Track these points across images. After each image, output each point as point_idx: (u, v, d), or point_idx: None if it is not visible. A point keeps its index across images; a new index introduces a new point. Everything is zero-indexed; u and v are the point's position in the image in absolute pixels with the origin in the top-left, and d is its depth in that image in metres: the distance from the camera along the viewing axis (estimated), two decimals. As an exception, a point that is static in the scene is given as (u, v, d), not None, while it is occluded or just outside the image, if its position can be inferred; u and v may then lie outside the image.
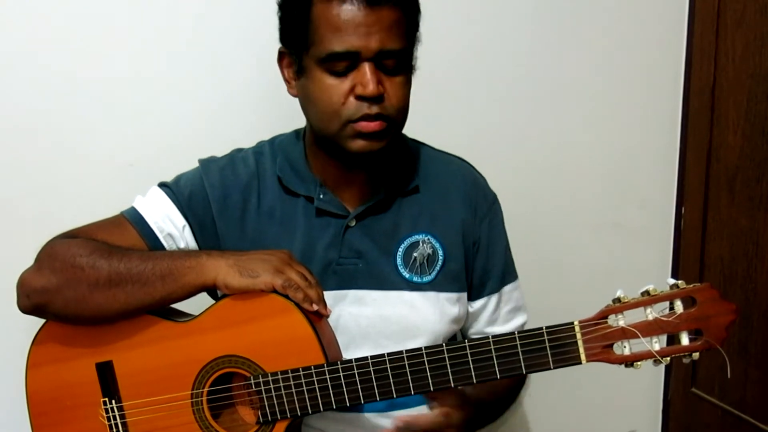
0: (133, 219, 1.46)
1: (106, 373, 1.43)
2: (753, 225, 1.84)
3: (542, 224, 2.00)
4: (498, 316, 1.59)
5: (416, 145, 1.59)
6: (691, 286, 1.18)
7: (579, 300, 1.93)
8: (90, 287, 1.34)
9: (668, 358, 1.20)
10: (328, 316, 1.35)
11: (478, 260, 1.55)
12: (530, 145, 2.02)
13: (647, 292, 1.19)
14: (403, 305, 1.48)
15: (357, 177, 1.49)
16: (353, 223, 1.48)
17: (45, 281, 1.37)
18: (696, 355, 1.19)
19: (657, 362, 1.20)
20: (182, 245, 1.47)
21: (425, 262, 1.49)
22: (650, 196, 2.12)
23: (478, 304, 1.57)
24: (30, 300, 1.39)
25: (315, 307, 1.31)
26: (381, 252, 1.49)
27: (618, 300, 1.20)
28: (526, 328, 1.55)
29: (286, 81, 1.46)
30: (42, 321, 1.44)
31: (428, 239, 1.50)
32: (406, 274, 1.49)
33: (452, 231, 1.52)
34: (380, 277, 1.48)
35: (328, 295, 1.39)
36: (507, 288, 1.59)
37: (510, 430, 2.12)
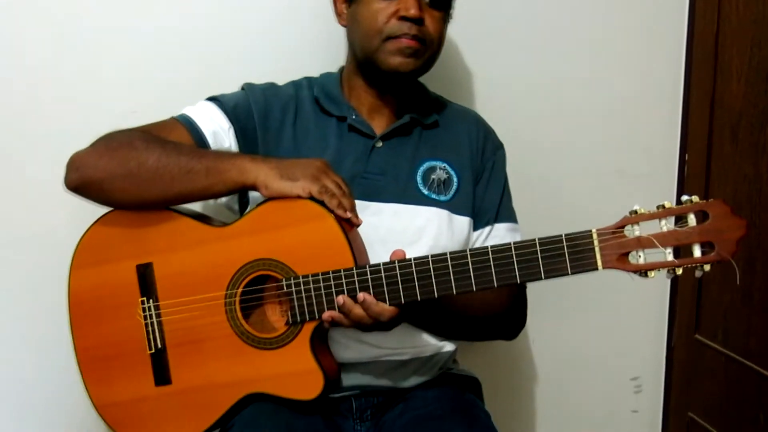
0: (182, 119, 1.55)
1: (145, 274, 1.51)
2: (757, 171, 1.85)
3: (545, 171, 2.01)
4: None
5: (437, 95, 1.74)
6: (704, 201, 1.24)
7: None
8: (139, 166, 1.43)
9: (681, 269, 1.25)
10: (359, 225, 1.42)
11: (478, 191, 1.64)
12: (533, 93, 2.03)
13: (662, 206, 1.25)
14: (421, 218, 1.57)
15: (387, 106, 1.62)
16: (379, 144, 1.60)
17: (97, 156, 1.46)
18: (707, 267, 1.24)
19: (670, 273, 1.26)
20: (226, 145, 1.56)
21: (442, 184, 1.60)
22: (654, 144, 2.12)
23: (474, 235, 1.64)
24: (78, 173, 1.46)
25: (348, 215, 1.38)
26: (403, 171, 1.60)
27: (634, 212, 1.26)
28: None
29: (338, 14, 1.63)
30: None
31: (444, 166, 1.62)
32: (425, 191, 1.59)
33: (464, 163, 1.64)
34: (401, 192, 1.58)
35: None
36: (501, 225, 1.65)
37: (513, 375, 2.15)
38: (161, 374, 1.50)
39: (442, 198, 1.60)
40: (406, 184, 1.59)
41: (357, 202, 1.46)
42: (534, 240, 1.30)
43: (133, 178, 1.44)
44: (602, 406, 2.20)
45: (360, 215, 1.46)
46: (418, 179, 1.60)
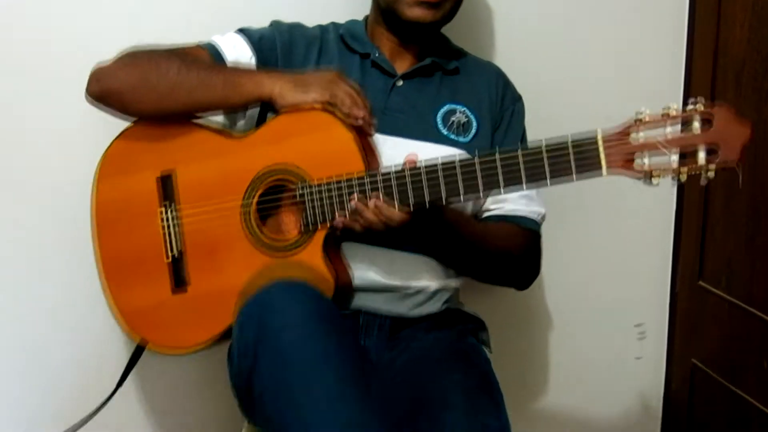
0: (206, 45, 1.61)
1: (166, 183, 1.57)
2: (760, 118, 1.85)
3: (549, 117, 1.98)
4: (508, 196, 1.65)
5: (458, 46, 1.77)
6: (709, 105, 1.23)
7: (589, 190, 1.95)
8: (159, 78, 1.49)
9: (685, 175, 1.25)
10: (372, 135, 1.47)
11: (497, 137, 1.67)
12: (537, 39, 2.04)
13: (667, 112, 1.25)
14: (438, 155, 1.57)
15: (409, 51, 1.67)
16: (400, 83, 1.64)
17: (118, 69, 1.53)
18: (711, 174, 1.24)
19: (675, 178, 1.26)
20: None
21: (461, 126, 1.63)
22: (657, 90, 2.10)
23: None
24: (99, 84, 1.53)
25: (359, 122, 1.43)
26: (423, 110, 1.63)
27: (640, 117, 1.26)
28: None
29: None
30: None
31: (464, 110, 1.65)
32: (444, 131, 1.62)
33: (484, 109, 1.67)
34: (421, 129, 1.61)
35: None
36: None
37: (517, 322, 2.16)
38: (179, 280, 1.55)
39: (462, 139, 1.62)
40: (426, 123, 1.62)
41: (375, 135, 1.49)
42: (540, 142, 1.32)
43: (152, 89, 1.51)
44: (606, 353, 2.21)
45: (378, 148, 1.50)
46: (438, 120, 1.63)
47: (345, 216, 1.42)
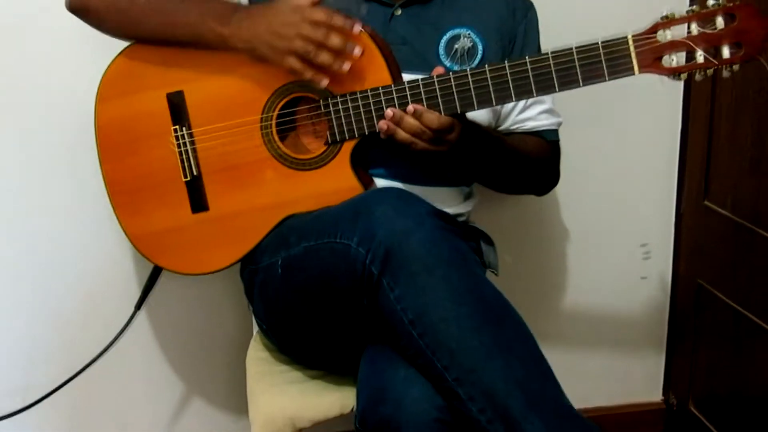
0: None
1: (176, 102, 1.52)
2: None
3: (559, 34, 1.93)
4: (529, 115, 1.67)
5: None
6: (731, 3, 1.28)
7: (593, 109, 1.92)
8: (130, 3, 1.49)
9: (712, 70, 1.30)
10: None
11: (513, 57, 1.61)
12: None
13: (692, 10, 1.29)
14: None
15: None
16: (399, 12, 1.58)
17: None
18: (736, 67, 1.30)
19: (701, 74, 1.31)
20: None
21: (465, 54, 1.58)
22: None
23: (509, 106, 1.65)
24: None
25: (323, 84, 1.40)
26: (425, 41, 1.58)
27: (666, 17, 1.30)
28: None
29: None
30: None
31: (469, 33, 1.59)
32: (448, 63, 1.58)
33: (491, 28, 1.61)
34: (423, 62, 1.55)
35: None
36: None
37: (522, 241, 2.16)
38: (198, 201, 1.53)
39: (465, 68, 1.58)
40: (429, 55, 1.58)
41: None
42: (571, 47, 1.33)
43: (123, 15, 1.50)
44: (611, 273, 2.22)
45: None
46: (441, 50, 1.59)
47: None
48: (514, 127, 1.66)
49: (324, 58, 1.37)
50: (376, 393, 1.27)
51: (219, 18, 1.44)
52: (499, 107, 1.62)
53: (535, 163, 1.67)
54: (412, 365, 1.25)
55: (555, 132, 1.69)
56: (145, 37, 1.51)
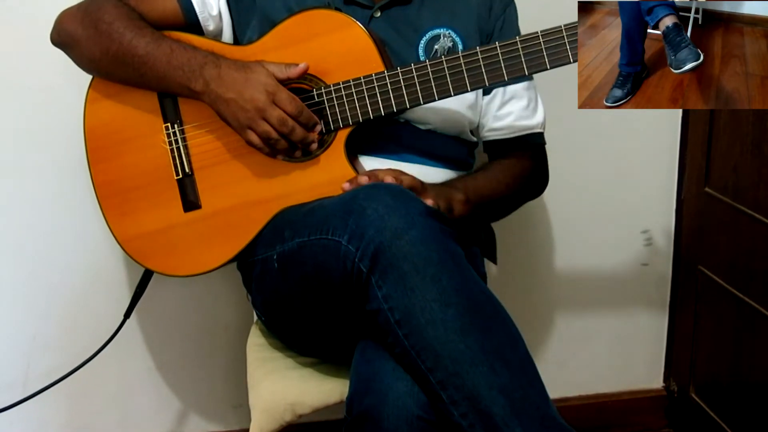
0: None
1: (167, 100, 1.52)
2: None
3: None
4: (511, 110, 1.66)
5: None
6: None
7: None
8: (102, 53, 1.50)
9: None
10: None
11: None
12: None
13: None
14: None
15: None
16: (378, 14, 1.57)
17: (72, 29, 1.53)
18: None
19: None
20: (214, 12, 1.56)
21: (445, 54, 1.56)
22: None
23: (488, 97, 1.65)
24: (59, 37, 1.58)
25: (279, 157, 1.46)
26: (404, 42, 1.58)
27: None
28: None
29: None
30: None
31: (448, 33, 1.59)
32: None
33: (470, 26, 1.61)
34: (404, 64, 1.54)
35: None
36: (518, 84, 1.65)
37: (522, 227, 2.16)
38: (190, 199, 1.52)
39: None
40: (409, 58, 1.56)
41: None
42: (537, 33, 1.39)
43: (95, 65, 1.54)
44: (612, 259, 2.22)
45: None
46: (420, 51, 1.58)
47: (368, 115, 1.44)
48: (498, 125, 1.65)
49: (283, 146, 1.43)
50: (363, 383, 1.27)
51: (188, 74, 1.46)
52: (470, 102, 1.60)
53: (516, 193, 1.68)
54: (398, 363, 1.25)
55: (540, 135, 1.68)
56: (117, 81, 1.55)
